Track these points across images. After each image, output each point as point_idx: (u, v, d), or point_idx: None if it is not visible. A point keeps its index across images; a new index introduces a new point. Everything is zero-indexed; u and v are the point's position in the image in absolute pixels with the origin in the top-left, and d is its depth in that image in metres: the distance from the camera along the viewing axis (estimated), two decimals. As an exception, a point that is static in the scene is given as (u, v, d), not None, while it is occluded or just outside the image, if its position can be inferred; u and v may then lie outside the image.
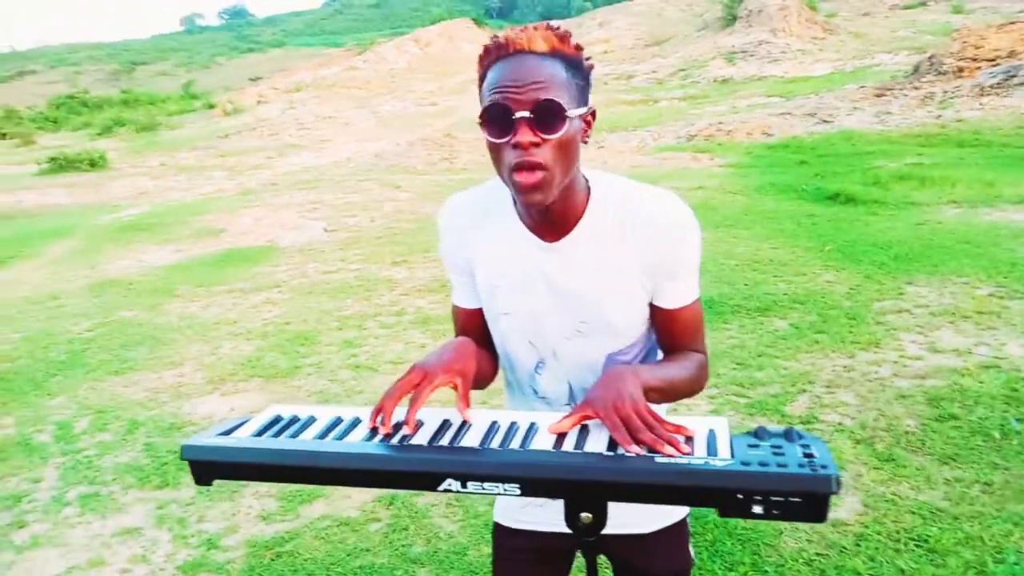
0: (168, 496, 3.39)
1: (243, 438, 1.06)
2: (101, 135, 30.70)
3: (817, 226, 7.40)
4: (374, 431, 1.05)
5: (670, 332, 1.26)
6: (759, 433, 0.94)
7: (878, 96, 15.95)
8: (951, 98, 14.41)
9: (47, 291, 7.55)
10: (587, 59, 1.14)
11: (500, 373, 1.41)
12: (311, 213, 10.79)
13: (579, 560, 1.24)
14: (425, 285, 6.46)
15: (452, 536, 2.91)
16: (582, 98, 1.11)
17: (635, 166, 12.54)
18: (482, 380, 1.28)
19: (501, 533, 1.47)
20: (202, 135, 26.68)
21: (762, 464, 0.86)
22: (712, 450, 0.93)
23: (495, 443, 1.00)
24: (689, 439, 0.97)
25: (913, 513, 2.80)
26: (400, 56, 41.46)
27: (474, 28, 47.48)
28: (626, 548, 1.36)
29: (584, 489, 0.94)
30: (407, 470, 0.98)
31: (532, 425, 1.05)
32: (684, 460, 0.89)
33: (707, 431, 0.98)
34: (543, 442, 1.00)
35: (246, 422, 1.11)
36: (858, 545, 2.65)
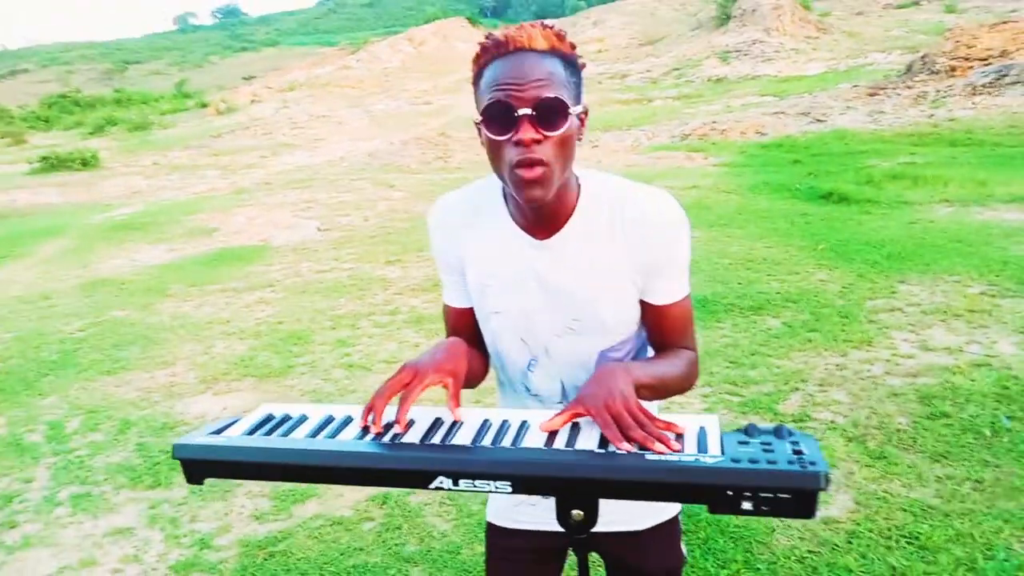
0: (160, 496, 3.38)
1: (234, 437, 1.06)
2: (93, 134, 30.58)
3: (810, 225, 7.43)
4: (365, 430, 1.05)
5: (660, 329, 1.26)
6: (749, 430, 0.94)
7: (871, 95, 16.01)
8: (944, 97, 14.47)
9: (39, 291, 7.51)
10: (579, 58, 1.14)
11: (492, 372, 1.41)
12: (304, 212, 10.77)
13: (572, 558, 1.24)
14: (419, 284, 6.46)
15: (445, 535, 2.91)
16: (578, 96, 1.12)
17: (629, 165, 12.55)
18: (473, 379, 1.28)
19: (494, 533, 1.47)
20: (195, 134, 26.60)
21: (752, 461, 0.86)
22: (702, 447, 0.93)
23: (487, 441, 1.01)
24: (680, 436, 0.97)
25: (904, 510, 2.81)
26: (394, 55, 41.42)
27: (468, 27, 47.44)
28: (619, 546, 1.37)
29: (575, 486, 0.94)
30: (399, 468, 0.98)
31: (523, 423, 1.05)
32: (674, 457, 0.90)
33: (698, 428, 0.98)
34: (534, 440, 1.00)
35: (237, 421, 1.11)
36: (850, 542, 2.66)
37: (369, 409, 1.06)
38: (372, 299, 6.23)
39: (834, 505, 2.88)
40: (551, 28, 1.10)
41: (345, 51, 47.65)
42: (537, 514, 1.37)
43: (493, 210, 1.25)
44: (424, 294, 6.16)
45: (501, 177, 1.12)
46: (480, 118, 1.09)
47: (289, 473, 1.02)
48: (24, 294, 7.42)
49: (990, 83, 14.17)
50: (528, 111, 1.03)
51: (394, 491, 3.23)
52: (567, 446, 0.98)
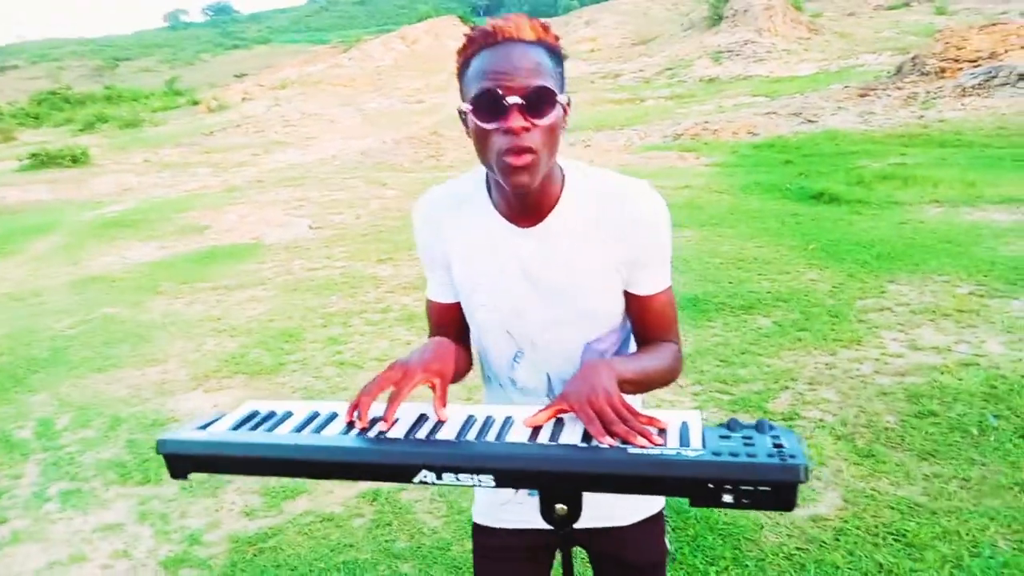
0: (150, 492, 3.37)
1: (219, 432, 1.06)
2: (84, 131, 30.43)
3: (801, 225, 7.46)
4: (350, 425, 1.06)
5: (644, 320, 1.28)
6: (731, 425, 0.96)
7: (862, 96, 16.09)
8: (934, 98, 14.57)
9: (29, 288, 7.48)
10: (562, 50, 1.16)
11: (477, 368, 1.41)
12: (296, 210, 10.75)
13: (559, 557, 1.25)
14: (410, 282, 6.46)
15: (436, 532, 2.91)
16: (562, 86, 1.13)
17: (622, 165, 12.57)
18: (457, 377, 1.29)
19: (480, 532, 1.48)
20: (186, 132, 26.49)
21: (732, 454, 0.87)
22: (684, 441, 0.94)
23: (471, 436, 1.01)
24: (662, 431, 0.98)
25: (892, 508, 2.83)
26: (386, 53, 41.35)
27: (460, 25, 47.37)
28: (605, 541, 1.38)
29: (558, 480, 0.95)
30: (383, 462, 0.99)
31: (508, 419, 1.06)
32: (656, 451, 0.91)
33: (680, 423, 0.99)
34: (518, 435, 1.01)
35: (223, 417, 1.11)
36: (837, 539, 2.68)
37: (355, 405, 1.06)
38: (364, 297, 6.22)
39: (822, 503, 2.90)
40: (535, 19, 1.12)
41: (337, 49, 47.56)
42: (522, 512, 1.38)
43: (478, 202, 1.25)
44: (416, 292, 6.16)
45: (488, 165, 1.13)
46: (467, 107, 1.10)
47: (273, 467, 1.02)
48: (14, 291, 7.38)
49: (979, 84, 14.27)
50: (518, 100, 1.05)
51: (384, 488, 3.23)
52: (551, 441, 0.99)
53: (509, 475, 0.94)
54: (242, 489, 3.34)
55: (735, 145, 13.59)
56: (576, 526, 1.02)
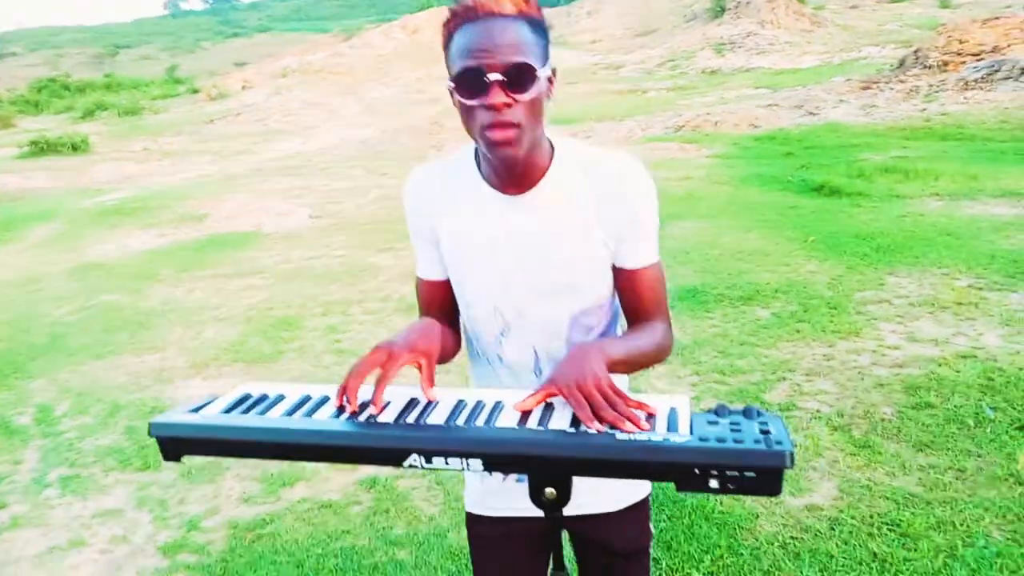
0: (149, 478, 3.39)
1: (212, 415, 1.06)
2: (83, 119, 30.36)
3: (801, 217, 7.45)
4: (341, 409, 1.06)
5: (633, 295, 1.28)
6: (719, 411, 0.96)
7: (864, 89, 16.05)
8: (936, 92, 14.53)
9: (29, 275, 7.48)
10: (545, 20, 1.16)
11: (464, 348, 1.42)
12: (297, 199, 10.74)
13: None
14: (410, 272, 6.42)
15: (433, 519, 2.93)
16: (545, 57, 1.13)
17: (622, 156, 12.55)
18: (444, 357, 1.30)
19: (473, 521, 1.50)
20: (186, 120, 26.44)
21: (719, 440, 0.88)
22: (672, 427, 0.95)
23: (460, 420, 1.02)
24: (651, 416, 0.98)
25: (887, 498, 2.84)
26: (387, 42, 41.19)
27: (463, 15, 47.14)
28: (589, 528, 1.39)
29: (545, 464, 0.95)
30: (372, 446, 0.99)
31: (498, 403, 1.06)
32: (643, 436, 0.91)
33: (668, 409, 1.00)
34: (508, 420, 1.01)
35: (215, 400, 1.11)
36: (832, 529, 2.69)
37: (343, 389, 1.07)
38: (363, 286, 6.23)
39: (818, 492, 2.92)
40: None
41: (338, 38, 47.39)
42: (511, 500, 1.39)
43: (467, 174, 1.27)
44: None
45: (474, 138, 1.15)
46: (451, 85, 1.12)
47: (265, 451, 1.03)
48: (14, 278, 7.39)
49: (982, 78, 14.23)
50: (498, 76, 1.06)
51: (382, 475, 3.25)
52: (540, 425, 0.99)
53: (497, 459, 0.95)
54: (240, 476, 3.35)
55: (736, 137, 13.57)
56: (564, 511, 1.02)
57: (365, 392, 1.06)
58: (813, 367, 4.06)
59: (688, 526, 2.75)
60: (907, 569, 2.45)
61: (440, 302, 1.37)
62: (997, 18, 16.54)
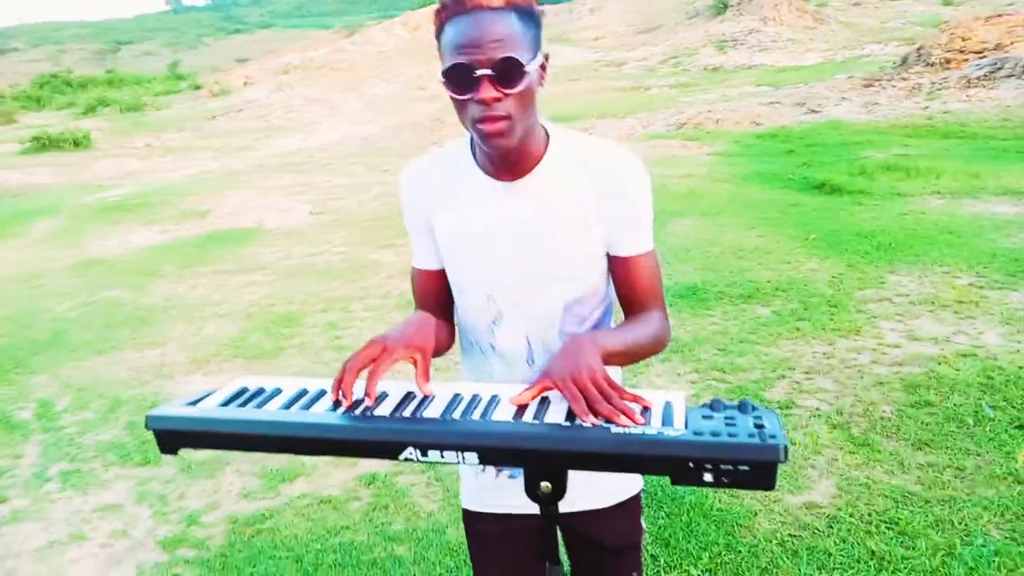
0: (149, 473, 3.40)
1: (209, 408, 1.07)
2: (85, 115, 30.36)
3: (802, 215, 7.45)
4: (338, 403, 1.07)
5: (629, 284, 1.29)
6: (714, 405, 0.96)
7: (866, 87, 16.02)
8: (938, 89, 14.50)
9: (31, 270, 7.50)
10: (537, 6, 1.16)
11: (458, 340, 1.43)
12: (298, 196, 10.75)
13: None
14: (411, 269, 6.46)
15: (432, 515, 2.94)
16: (536, 46, 1.14)
17: (624, 153, 12.53)
18: (439, 351, 1.31)
19: (469, 518, 1.51)
20: (188, 116, 26.44)
21: (714, 434, 0.88)
22: (667, 421, 0.95)
23: (456, 414, 1.02)
24: (646, 410, 0.99)
25: (886, 496, 2.85)
26: (389, 39, 41.14)
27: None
28: (581, 524, 1.39)
29: (540, 458, 0.96)
30: (369, 439, 1.00)
31: (494, 397, 1.07)
32: (638, 430, 0.91)
33: (663, 404, 1.00)
34: (504, 413, 1.02)
35: (213, 393, 1.12)
36: (831, 527, 2.69)
37: (339, 382, 1.07)
38: (364, 282, 6.23)
39: (816, 490, 2.92)
40: None
41: (340, 34, 47.34)
42: (504, 497, 1.39)
43: (462, 163, 1.28)
44: (416, 278, 6.16)
45: (468, 129, 1.17)
46: (441, 79, 1.13)
47: (262, 444, 1.03)
48: (16, 274, 7.40)
49: (985, 76, 14.20)
50: (487, 71, 1.07)
51: (381, 472, 3.26)
52: (535, 419, 0.99)
53: (492, 452, 0.95)
54: (240, 471, 3.36)
55: (738, 134, 13.55)
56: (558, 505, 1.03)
57: (359, 387, 1.07)
58: (813, 365, 4.06)
59: (686, 523, 2.75)
60: (905, 567, 2.45)
61: (435, 292, 1.38)
62: (1000, 15, 16.50)
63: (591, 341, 1.08)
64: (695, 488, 2.91)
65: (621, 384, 1.03)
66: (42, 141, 19.43)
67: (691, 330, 4.61)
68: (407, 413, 1.04)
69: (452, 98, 1.13)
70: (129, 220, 9.84)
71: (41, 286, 6.85)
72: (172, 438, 1.04)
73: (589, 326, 1.32)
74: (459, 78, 1.09)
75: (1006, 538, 2.55)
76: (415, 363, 1.14)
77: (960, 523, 2.65)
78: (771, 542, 2.63)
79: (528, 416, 1.01)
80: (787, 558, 2.55)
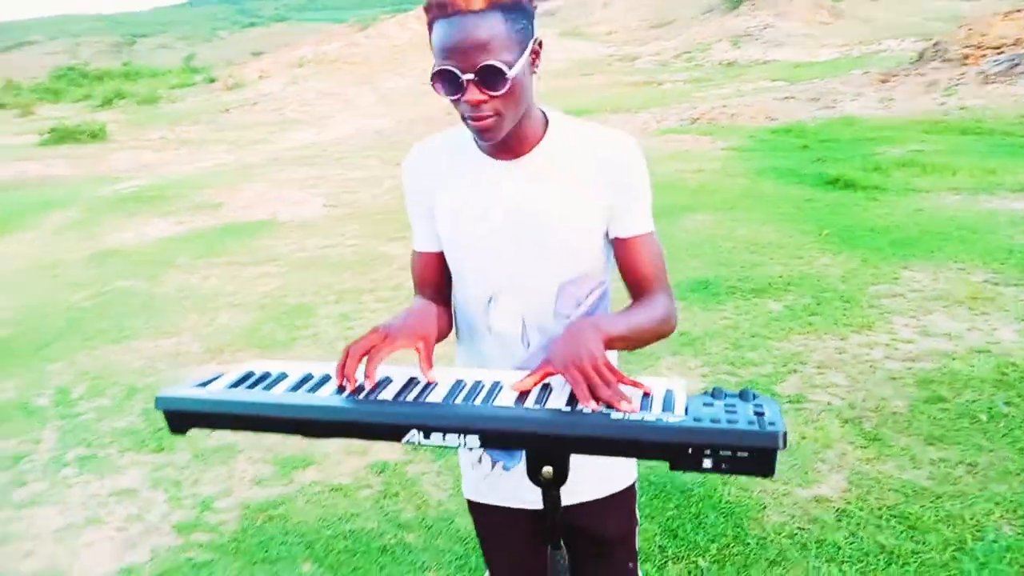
0: (164, 459, 3.44)
1: (217, 390, 1.09)
2: (102, 107, 30.56)
3: (816, 210, 7.40)
4: (342, 388, 1.09)
5: (633, 266, 1.30)
6: (715, 393, 0.98)
7: (882, 82, 15.88)
8: (955, 85, 14.35)
9: (48, 260, 7.58)
10: None
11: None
12: (312, 188, 10.79)
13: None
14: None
15: (441, 504, 2.96)
16: (524, 40, 1.14)
17: (637, 148, 12.49)
18: (439, 337, 1.33)
19: (473, 509, 1.54)
20: (203, 109, 26.57)
21: (713, 420, 0.89)
22: (668, 408, 0.96)
23: (459, 399, 1.04)
24: (647, 396, 1.00)
25: (896, 491, 2.84)
26: (402, 32, 41.13)
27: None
28: (577, 516, 1.41)
29: (540, 441, 0.97)
30: (372, 422, 1.01)
31: (496, 384, 1.08)
32: (638, 416, 0.93)
33: (664, 391, 1.01)
34: (506, 399, 1.03)
35: (221, 375, 1.14)
36: (840, 520, 2.69)
37: (341, 367, 1.10)
38: (375, 274, 6.26)
39: (826, 484, 2.92)
40: None
41: (354, 28, 47.33)
42: (503, 490, 1.42)
43: (466, 145, 1.31)
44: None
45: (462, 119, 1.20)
46: (432, 79, 1.16)
47: (267, 424, 1.05)
48: (33, 264, 7.49)
49: (1002, 72, 14.04)
50: (471, 76, 1.10)
51: (392, 460, 3.28)
52: (537, 404, 1.01)
53: (493, 436, 0.97)
54: (253, 458, 3.40)
55: (752, 130, 13.46)
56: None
57: (362, 372, 1.09)
58: (825, 360, 4.05)
59: (695, 515, 2.76)
60: (914, 561, 2.45)
61: (434, 276, 1.40)
62: (1020, 11, 16.28)
63: (592, 326, 1.10)
64: (704, 480, 2.91)
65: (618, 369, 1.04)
66: (60, 133, 19.57)
67: (702, 324, 4.61)
68: (410, 398, 1.06)
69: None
70: (144, 212, 9.91)
71: (57, 276, 6.93)
72: (181, 418, 1.07)
73: (584, 310, 1.33)
74: (446, 82, 1.12)
75: (1018, 534, 2.54)
76: (418, 351, 1.16)
77: (971, 518, 2.65)
78: (780, 535, 2.64)
79: (530, 402, 1.02)
80: (796, 551, 2.55)
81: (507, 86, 1.11)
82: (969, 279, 5.10)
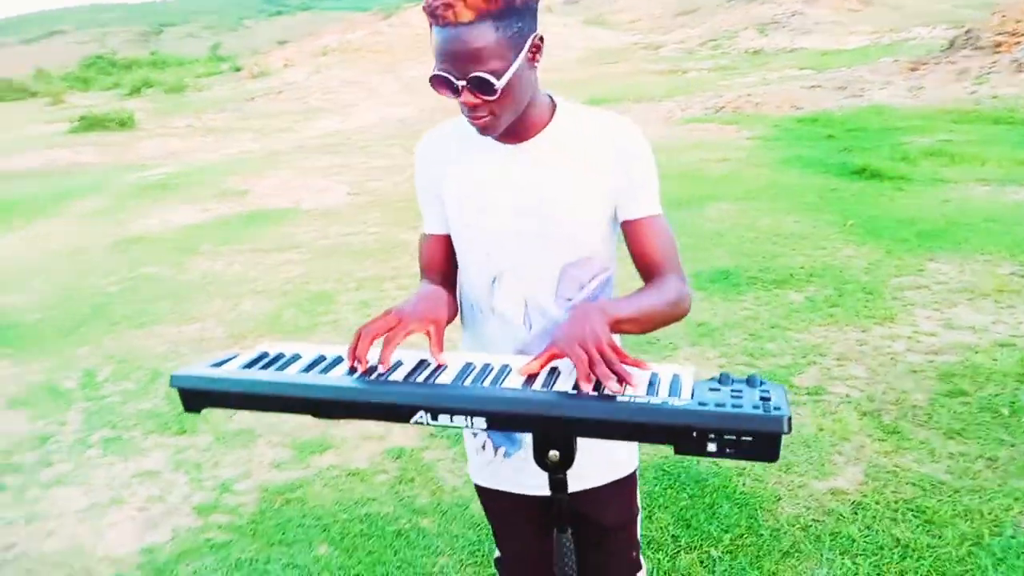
0: (186, 442, 3.51)
1: (231, 369, 1.12)
2: (130, 95, 30.95)
3: (841, 200, 7.31)
4: (353, 370, 1.11)
5: (643, 248, 1.31)
6: (722, 379, 0.98)
7: (912, 70, 15.57)
8: (987, 74, 14.03)
9: (75, 246, 7.72)
10: None
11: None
12: (336, 176, 10.85)
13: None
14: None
15: (456, 490, 2.99)
16: (520, 42, 1.15)
17: (660, 136, 12.40)
18: (448, 321, 1.35)
19: (480, 493, 1.56)
20: (229, 97, 26.80)
21: (718, 405, 0.89)
22: (674, 392, 0.96)
23: (467, 382, 1.05)
24: (654, 376, 1.00)
25: (914, 485, 2.81)
26: (425, 21, 41.04)
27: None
28: (580, 504, 1.41)
29: (545, 423, 0.98)
30: (381, 402, 1.03)
31: (505, 367, 1.09)
32: (643, 399, 0.93)
33: (671, 375, 1.02)
34: (514, 382, 1.04)
35: (236, 356, 1.16)
36: (855, 513, 2.68)
37: (353, 348, 1.12)
38: (396, 262, 6.30)
39: (842, 476, 2.90)
40: None
41: (377, 16, 47.35)
42: (507, 477, 1.44)
43: (472, 130, 1.30)
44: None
45: None
46: (430, 81, 1.19)
47: (279, 404, 1.07)
48: (61, 249, 7.63)
49: (1038, 60, 13.69)
50: (465, 83, 1.13)
51: (408, 446, 3.32)
52: (544, 387, 1.02)
53: (500, 418, 0.98)
54: (272, 443, 3.46)
55: (778, 119, 13.29)
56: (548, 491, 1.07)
57: (374, 354, 1.11)
58: (845, 352, 4.01)
59: (709, 505, 2.76)
60: (930, 556, 2.43)
61: (441, 259, 1.43)
62: (1057, -3, 15.85)
63: (598, 308, 1.11)
64: (719, 470, 2.91)
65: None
66: (89, 121, 19.85)
67: (721, 315, 4.58)
68: (420, 380, 1.07)
69: None
70: (170, 199, 10.05)
71: (85, 262, 7.06)
72: (195, 397, 1.09)
73: (588, 294, 1.34)
74: (442, 85, 1.16)
75: (1037, 529, 2.51)
76: (429, 335, 1.18)
77: (989, 513, 2.62)
78: (794, 526, 2.63)
79: (537, 385, 1.03)
80: (809, 542, 2.54)
81: (498, 92, 1.14)
82: (996, 271, 5.02)
